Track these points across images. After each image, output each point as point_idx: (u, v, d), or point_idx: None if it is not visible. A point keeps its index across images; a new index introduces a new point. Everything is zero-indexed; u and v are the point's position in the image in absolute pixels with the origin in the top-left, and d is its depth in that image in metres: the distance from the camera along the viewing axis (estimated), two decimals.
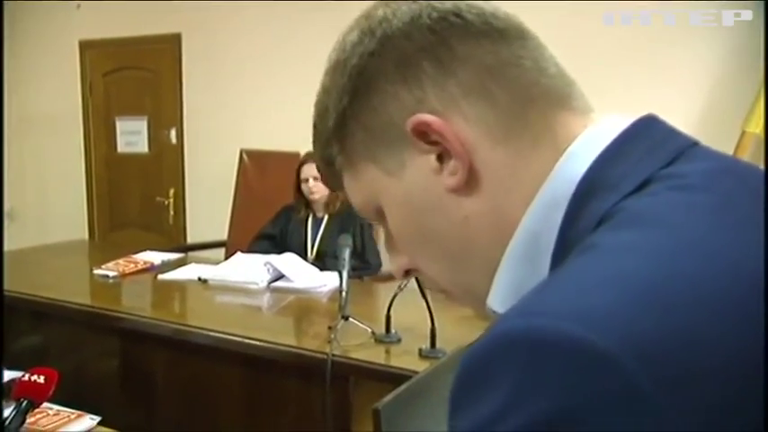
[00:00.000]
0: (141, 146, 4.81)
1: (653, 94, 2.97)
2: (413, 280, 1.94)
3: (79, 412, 1.56)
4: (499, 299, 0.50)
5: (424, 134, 0.49)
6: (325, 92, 0.54)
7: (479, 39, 0.49)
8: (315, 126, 0.57)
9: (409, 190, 0.51)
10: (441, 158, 0.49)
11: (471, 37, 0.49)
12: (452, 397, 0.40)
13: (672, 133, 0.49)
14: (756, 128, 2.62)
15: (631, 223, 0.42)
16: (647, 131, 0.48)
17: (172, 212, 4.71)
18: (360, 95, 0.51)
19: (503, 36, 0.50)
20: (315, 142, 0.57)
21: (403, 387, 1.19)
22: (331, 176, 0.58)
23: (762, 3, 2.54)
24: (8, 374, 1.42)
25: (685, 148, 0.47)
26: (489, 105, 0.49)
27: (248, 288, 2.69)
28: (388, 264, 2.87)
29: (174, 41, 4.54)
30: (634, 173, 0.45)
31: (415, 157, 0.50)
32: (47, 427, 1.49)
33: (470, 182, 0.49)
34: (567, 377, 0.35)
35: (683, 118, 0.52)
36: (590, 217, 0.44)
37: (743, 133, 2.62)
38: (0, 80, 3.42)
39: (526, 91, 0.49)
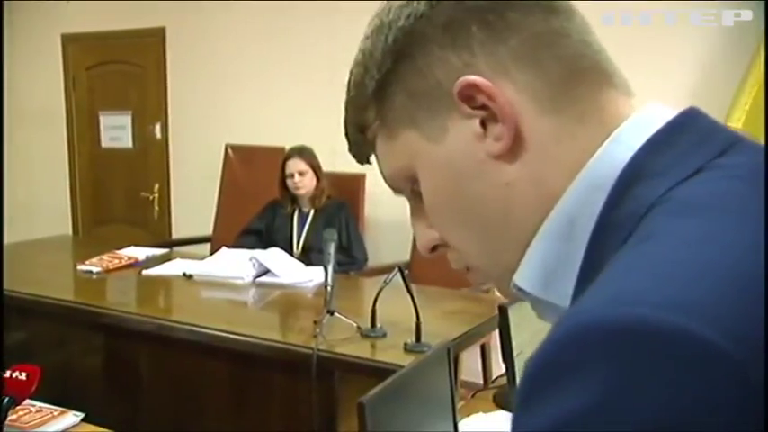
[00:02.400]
0: (126, 141, 4.77)
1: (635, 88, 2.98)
2: (398, 276, 1.96)
3: (62, 409, 1.55)
4: (527, 276, 0.49)
5: (470, 98, 0.48)
6: (365, 55, 0.53)
7: (530, 7, 0.49)
8: (349, 91, 0.55)
9: (450, 155, 0.50)
10: (484, 124, 0.49)
11: (522, 5, 0.49)
12: (526, 389, 0.37)
13: (718, 126, 0.48)
14: (738, 122, 2.66)
15: (697, 211, 0.40)
16: (693, 123, 0.47)
17: (157, 208, 4.68)
18: (405, 57, 0.50)
19: (552, 7, 0.50)
20: (349, 107, 0.56)
21: (388, 381, 1.19)
22: (361, 144, 0.56)
23: (762, 3, 2.57)
24: None
25: (734, 141, 0.47)
26: (539, 74, 0.48)
27: (233, 283, 2.68)
28: (374, 258, 2.87)
29: (158, 35, 4.50)
30: (684, 162, 0.44)
31: (458, 122, 0.49)
32: (29, 424, 1.48)
33: (515, 148, 0.48)
34: (680, 374, 0.32)
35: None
36: (637, 202, 0.43)
37: None
38: (0, 78, 3.37)
39: (575, 62, 0.49)
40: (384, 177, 0.56)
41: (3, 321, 1.72)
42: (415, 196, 0.54)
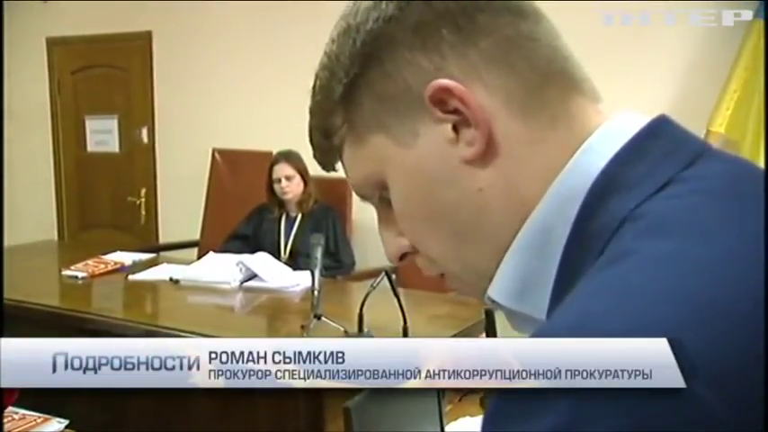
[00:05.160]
0: (112, 145, 4.74)
1: (614, 94, 3.01)
2: (385, 280, 1.96)
3: (46, 416, 1.54)
4: (502, 289, 0.49)
5: (441, 102, 0.47)
6: (331, 58, 0.51)
7: (499, 10, 0.49)
8: (315, 95, 0.53)
9: (422, 161, 0.49)
10: (456, 128, 0.48)
11: (491, 8, 0.49)
12: (493, 411, 0.39)
13: (687, 136, 0.48)
14: (720, 127, 2.69)
15: (667, 229, 0.41)
16: (663, 133, 0.47)
17: (143, 212, 4.65)
18: (374, 62, 0.49)
19: (520, 11, 0.50)
20: (315, 112, 0.54)
21: None
22: (327, 150, 0.54)
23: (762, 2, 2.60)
24: None
25: (702, 151, 0.47)
26: (510, 76, 0.48)
27: (220, 288, 2.67)
28: (361, 262, 2.86)
29: (144, 39, 4.49)
30: (655, 174, 0.44)
31: (429, 126, 0.48)
32: None
33: (487, 153, 0.47)
34: (634, 401, 0.34)
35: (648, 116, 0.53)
36: (610, 216, 0.43)
37: (707, 132, 2.68)
38: (0, 80, 3.33)
39: (545, 67, 0.49)
40: (351, 184, 0.55)
41: (2, 323, 1.70)
42: (383, 203, 0.53)
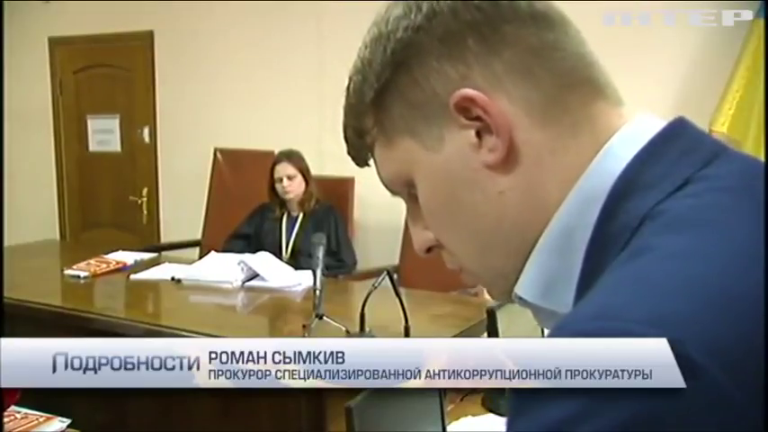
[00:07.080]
0: (114, 145, 4.74)
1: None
2: (387, 279, 1.96)
3: (48, 415, 1.54)
4: (528, 287, 0.52)
5: (466, 109, 0.50)
6: (364, 63, 0.54)
7: (525, 20, 0.51)
8: (348, 97, 0.57)
9: (447, 164, 0.52)
10: (479, 135, 0.50)
11: (517, 18, 0.51)
12: (517, 396, 0.40)
13: (704, 136, 0.50)
14: (722, 127, 2.69)
15: (684, 226, 0.43)
16: (681, 134, 0.49)
17: (145, 212, 4.66)
18: (403, 69, 0.52)
19: (546, 20, 0.51)
20: (348, 113, 0.57)
21: None
22: (360, 148, 0.58)
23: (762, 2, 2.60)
24: None
25: (719, 151, 0.49)
26: (532, 86, 0.50)
27: (222, 287, 2.67)
28: (363, 262, 2.86)
29: (146, 39, 4.49)
30: (673, 174, 0.46)
31: (454, 132, 0.51)
32: (15, 431, 1.47)
33: (508, 159, 0.50)
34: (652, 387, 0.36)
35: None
36: (630, 215, 0.45)
37: (709, 132, 2.67)
38: (0, 80, 3.34)
39: (568, 76, 0.51)
40: (382, 180, 0.58)
41: (3, 324, 1.71)
42: (411, 199, 0.56)
